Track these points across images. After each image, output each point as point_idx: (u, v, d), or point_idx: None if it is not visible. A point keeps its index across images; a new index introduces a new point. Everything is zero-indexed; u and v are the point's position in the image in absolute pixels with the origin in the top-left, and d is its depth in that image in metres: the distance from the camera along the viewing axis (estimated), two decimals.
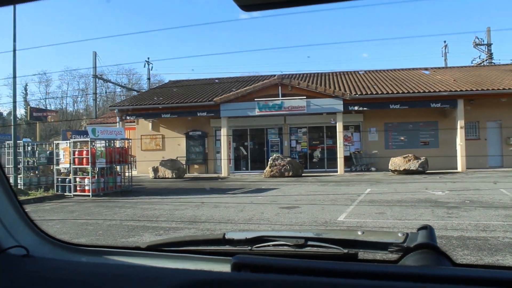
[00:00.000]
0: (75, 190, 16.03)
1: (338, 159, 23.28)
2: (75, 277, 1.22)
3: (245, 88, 24.73)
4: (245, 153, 26.43)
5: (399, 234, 1.34)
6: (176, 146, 26.05)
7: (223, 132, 24.21)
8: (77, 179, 16.12)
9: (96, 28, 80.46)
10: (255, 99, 23.84)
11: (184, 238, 1.61)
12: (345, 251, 1.34)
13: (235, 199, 13.54)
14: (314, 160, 25.70)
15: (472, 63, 41.77)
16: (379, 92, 23.20)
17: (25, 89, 57.42)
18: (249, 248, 1.44)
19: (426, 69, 30.22)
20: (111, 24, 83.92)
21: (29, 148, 18.92)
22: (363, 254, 1.39)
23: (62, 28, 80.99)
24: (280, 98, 23.75)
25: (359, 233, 1.40)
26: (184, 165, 25.22)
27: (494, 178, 17.93)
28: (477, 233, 7.36)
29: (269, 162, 22.70)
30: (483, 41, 40.42)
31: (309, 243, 1.39)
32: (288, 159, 23.05)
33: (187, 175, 24.92)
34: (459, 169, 22.19)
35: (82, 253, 1.47)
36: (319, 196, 13.49)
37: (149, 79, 44.58)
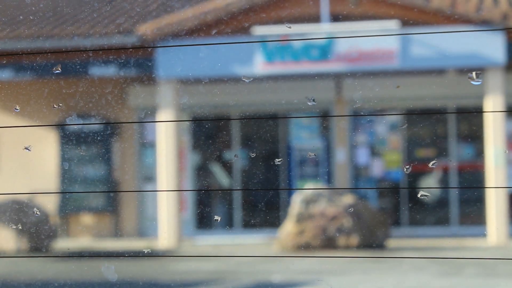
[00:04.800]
0: None
1: (490, 201, 8.37)
2: None
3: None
4: (224, 180, 11.12)
5: None
6: (26, 160, 10.64)
7: (163, 120, 8.96)
8: None
9: None
10: (254, 27, 8.71)
11: None
12: None
13: None
14: (421, 201, 10.63)
15: None
16: None
17: None
18: None
19: None
20: None
21: None
22: None
23: None
24: (328, 23, 8.77)
25: None
26: (55, 217, 9.80)
27: None
28: None
29: (293, 209, 8.43)
30: None
31: None
32: (349, 199, 8.57)
33: (59, 243, 9.93)
34: None
35: None
36: None
37: None
